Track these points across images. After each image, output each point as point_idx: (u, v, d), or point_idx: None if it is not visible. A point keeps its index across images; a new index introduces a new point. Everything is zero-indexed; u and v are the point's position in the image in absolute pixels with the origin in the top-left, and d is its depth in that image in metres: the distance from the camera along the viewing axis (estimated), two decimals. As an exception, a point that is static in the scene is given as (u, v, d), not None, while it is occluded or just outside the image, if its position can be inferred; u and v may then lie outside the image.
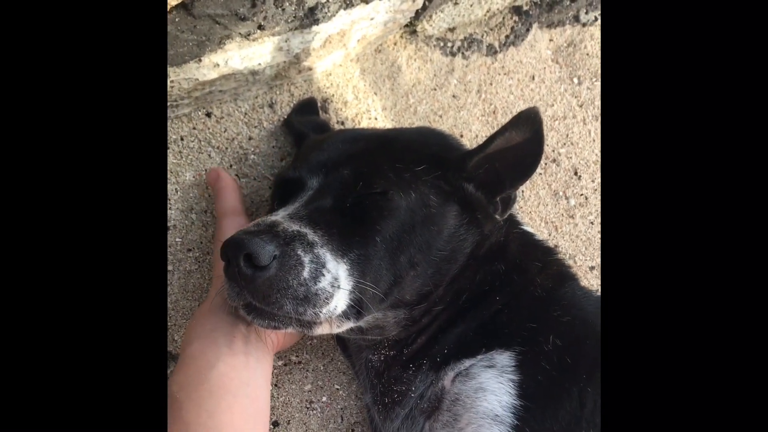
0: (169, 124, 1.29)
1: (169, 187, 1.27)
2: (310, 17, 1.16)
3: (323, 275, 0.87)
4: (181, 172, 1.28)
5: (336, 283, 0.88)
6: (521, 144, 0.96)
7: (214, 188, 1.23)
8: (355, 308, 0.92)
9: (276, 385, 1.24)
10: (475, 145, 1.04)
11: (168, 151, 1.28)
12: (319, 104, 1.37)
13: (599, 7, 1.53)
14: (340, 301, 0.89)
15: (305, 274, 0.86)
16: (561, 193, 1.44)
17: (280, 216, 0.93)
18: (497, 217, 1.03)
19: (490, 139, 0.97)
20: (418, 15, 1.38)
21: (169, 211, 1.26)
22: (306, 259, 0.86)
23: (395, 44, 1.45)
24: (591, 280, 1.39)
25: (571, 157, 1.47)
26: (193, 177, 1.29)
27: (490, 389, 0.94)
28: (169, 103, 1.22)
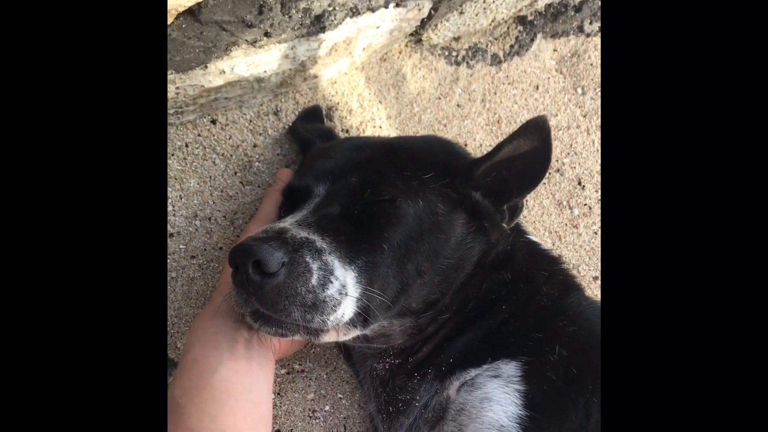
0: (174, 130, 1.28)
1: (174, 193, 1.27)
2: (317, 25, 1.16)
3: (331, 282, 0.87)
4: (186, 179, 1.28)
5: (344, 290, 0.88)
6: (529, 152, 0.96)
7: (276, 184, 1.22)
8: (363, 316, 0.92)
9: (279, 394, 1.23)
10: (479, 155, 1.04)
11: (173, 157, 1.28)
12: (323, 112, 1.37)
13: (603, 18, 1.55)
14: (347, 309, 0.89)
15: (313, 281, 0.86)
16: (565, 203, 1.44)
17: (288, 223, 0.93)
18: (504, 225, 1.03)
19: (498, 147, 0.97)
20: (423, 24, 1.39)
21: (173, 218, 1.26)
22: (314, 266, 0.86)
23: (400, 53, 1.46)
24: (595, 290, 1.39)
25: (574, 167, 1.47)
26: (198, 184, 1.28)
27: (496, 399, 0.93)
28: (174, 110, 1.22)
